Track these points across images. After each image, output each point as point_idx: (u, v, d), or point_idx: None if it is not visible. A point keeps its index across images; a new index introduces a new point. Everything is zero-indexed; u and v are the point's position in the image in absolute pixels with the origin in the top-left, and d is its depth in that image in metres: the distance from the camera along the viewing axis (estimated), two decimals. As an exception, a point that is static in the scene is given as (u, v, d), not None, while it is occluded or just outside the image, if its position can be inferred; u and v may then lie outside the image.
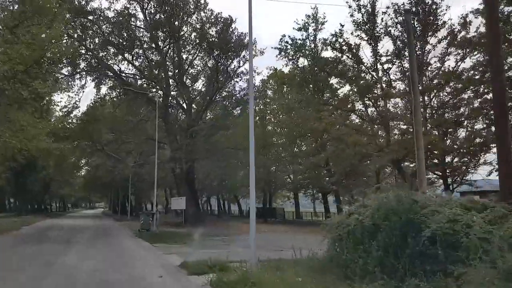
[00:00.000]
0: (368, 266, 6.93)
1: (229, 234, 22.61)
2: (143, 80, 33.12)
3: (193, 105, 35.56)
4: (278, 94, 37.64)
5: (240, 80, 30.25)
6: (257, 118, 40.55)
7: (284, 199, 54.57)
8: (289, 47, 28.69)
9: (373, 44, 21.59)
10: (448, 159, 25.48)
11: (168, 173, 44.79)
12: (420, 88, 21.93)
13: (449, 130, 22.41)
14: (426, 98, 22.36)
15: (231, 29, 31.08)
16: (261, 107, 38.85)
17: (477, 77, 20.74)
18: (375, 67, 21.94)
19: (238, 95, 31.29)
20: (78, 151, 32.60)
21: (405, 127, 21.54)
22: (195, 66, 36.00)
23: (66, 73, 29.51)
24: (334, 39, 22.26)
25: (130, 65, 33.66)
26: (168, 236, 20.13)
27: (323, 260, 8.52)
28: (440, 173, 25.03)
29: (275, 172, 45.08)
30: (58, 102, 37.59)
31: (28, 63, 18.27)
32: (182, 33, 33.13)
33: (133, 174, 39.28)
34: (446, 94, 23.14)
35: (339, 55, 22.18)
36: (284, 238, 20.70)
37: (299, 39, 28.51)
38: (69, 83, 29.01)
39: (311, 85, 26.83)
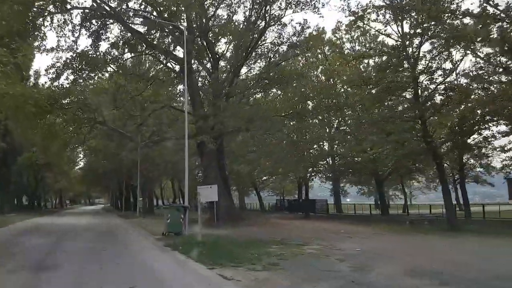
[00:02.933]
0: None
1: (310, 241, 13.98)
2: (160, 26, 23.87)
3: (220, 62, 26.64)
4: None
5: (302, 10, 20.74)
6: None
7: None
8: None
9: None
10: None
11: (181, 158, 36.08)
12: None
13: None
14: None
15: None
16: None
17: None
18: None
19: (292, 40, 22.02)
20: (70, 119, 23.25)
21: None
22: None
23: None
24: None
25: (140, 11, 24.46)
26: (224, 247, 11.50)
27: None
28: None
29: (311, 154, 36.55)
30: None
31: None
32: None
33: (143, 157, 30.35)
34: None
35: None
36: (413, 247, 12.11)
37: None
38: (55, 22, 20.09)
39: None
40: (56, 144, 26.36)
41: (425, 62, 19.99)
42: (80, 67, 19.97)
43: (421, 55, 19.50)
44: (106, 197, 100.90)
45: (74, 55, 20.20)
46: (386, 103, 20.31)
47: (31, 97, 16.42)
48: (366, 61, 35.59)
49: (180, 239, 13.52)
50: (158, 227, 19.84)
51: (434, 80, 19.91)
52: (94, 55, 20.60)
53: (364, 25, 21.86)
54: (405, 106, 20.95)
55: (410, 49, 20.27)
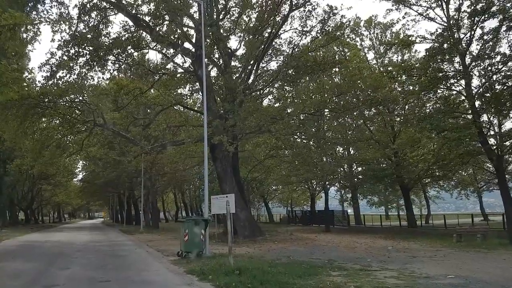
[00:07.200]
0: None
1: (368, 263, 10.97)
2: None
3: (232, 62, 23.94)
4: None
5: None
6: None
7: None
8: None
9: None
10: None
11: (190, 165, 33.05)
12: None
13: None
14: None
15: None
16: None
17: None
18: None
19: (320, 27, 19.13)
20: (65, 121, 20.17)
21: None
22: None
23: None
24: None
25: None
26: (270, 276, 8.42)
27: None
28: None
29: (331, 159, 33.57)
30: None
31: None
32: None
33: (148, 164, 27.33)
34: None
35: None
36: None
37: None
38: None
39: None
40: (50, 150, 23.32)
41: (478, 47, 17.36)
42: (78, 52, 17.03)
43: (476, 37, 16.80)
44: (106, 210, 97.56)
45: (71, 38, 17.30)
46: (435, 96, 17.46)
47: (13, 79, 13.48)
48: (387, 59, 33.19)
49: (205, 263, 10.45)
50: (169, 245, 16.87)
51: (489, 68, 17.17)
52: (96, 41, 17.71)
53: (404, 8, 19.05)
54: (453, 98, 18.16)
55: (458, 34, 17.66)
